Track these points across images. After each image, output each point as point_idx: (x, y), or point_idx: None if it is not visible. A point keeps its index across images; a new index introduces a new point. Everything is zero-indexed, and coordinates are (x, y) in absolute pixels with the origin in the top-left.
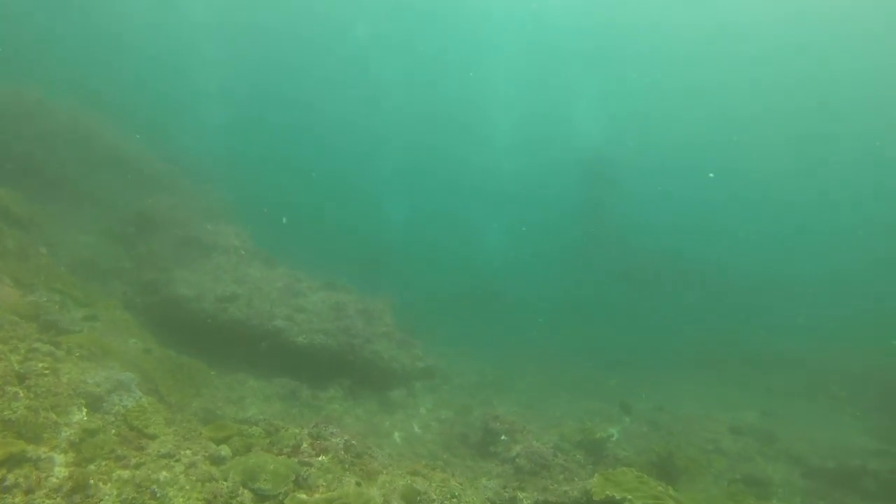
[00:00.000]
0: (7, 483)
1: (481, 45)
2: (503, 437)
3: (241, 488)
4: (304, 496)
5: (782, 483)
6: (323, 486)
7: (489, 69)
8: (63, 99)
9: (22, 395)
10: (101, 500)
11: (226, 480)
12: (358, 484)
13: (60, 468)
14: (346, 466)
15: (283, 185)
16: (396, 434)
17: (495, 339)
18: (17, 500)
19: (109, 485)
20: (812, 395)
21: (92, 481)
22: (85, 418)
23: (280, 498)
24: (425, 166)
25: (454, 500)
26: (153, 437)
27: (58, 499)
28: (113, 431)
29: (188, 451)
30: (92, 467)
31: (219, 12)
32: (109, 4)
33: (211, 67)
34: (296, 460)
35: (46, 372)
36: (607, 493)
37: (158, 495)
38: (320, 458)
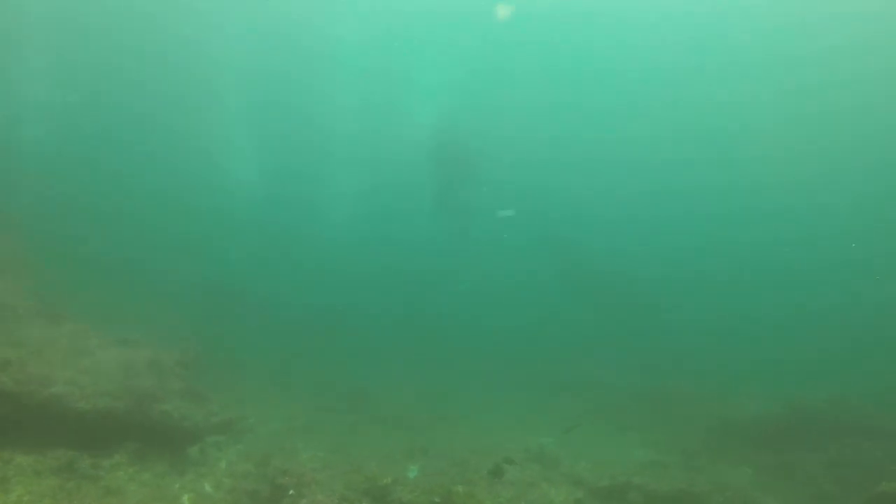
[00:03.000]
0: None
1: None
2: (291, 492)
3: None
4: None
5: None
6: None
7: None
8: None
9: None
10: None
11: None
12: None
13: None
14: None
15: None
16: (185, 497)
17: (324, 370)
18: None
19: None
20: (601, 412)
21: None
22: None
23: None
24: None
25: None
26: None
27: None
28: None
29: None
30: None
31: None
32: None
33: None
34: None
35: None
36: None
37: None
38: None
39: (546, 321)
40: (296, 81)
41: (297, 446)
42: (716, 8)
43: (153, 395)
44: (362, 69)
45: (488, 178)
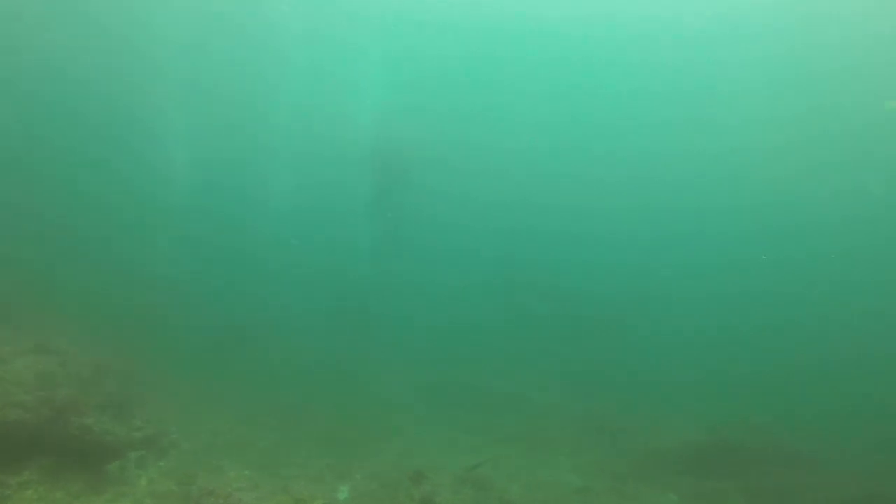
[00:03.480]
0: None
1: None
2: None
3: None
4: None
5: None
6: None
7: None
8: None
9: None
10: None
11: None
12: None
13: None
14: None
15: None
16: None
17: (251, 382)
18: None
19: None
20: (533, 435)
21: None
22: None
23: None
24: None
25: None
26: None
27: None
28: None
29: None
30: None
31: None
32: None
33: None
34: None
35: None
36: None
37: None
38: None
39: (485, 339)
40: (235, 66)
41: (223, 464)
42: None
43: (71, 408)
44: (306, 62)
45: (427, 185)
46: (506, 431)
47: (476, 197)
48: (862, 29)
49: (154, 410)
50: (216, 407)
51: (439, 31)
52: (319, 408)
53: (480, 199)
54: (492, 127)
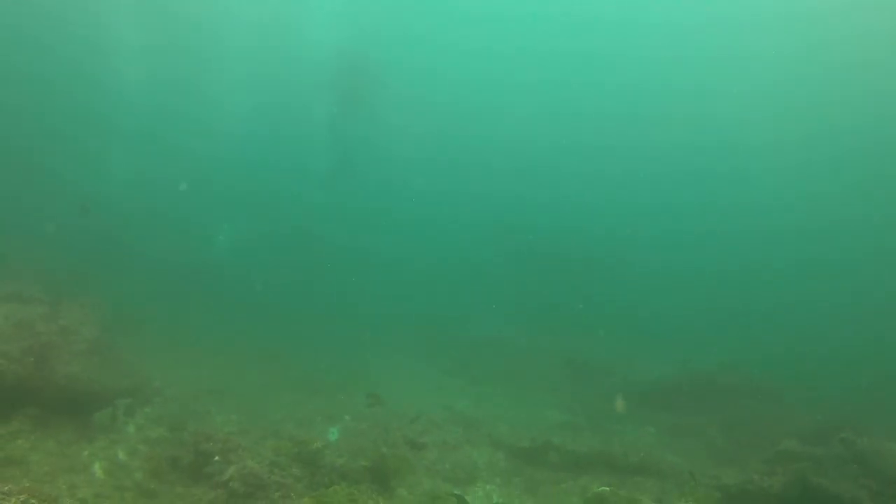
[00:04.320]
0: None
1: None
2: (216, 458)
3: None
4: None
5: (486, 466)
6: None
7: None
8: None
9: None
10: None
11: None
12: None
13: None
14: None
15: None
16: (97, 465)
17: (221, 331)
18: None
19: None
20: (513, 375)
21: None
22: None
23: None
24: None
25: None
26: None
27: None
28: None
29: None
30: None
31: None
32: None
33: None
34: None
35: None
36: None
37: None
38: None
39: (463, 279)
40: None
41: (210, 410)
42: None
43: (55, 356)
44: None
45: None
46: (488, 372)
47: (449, 133)
48: None
49: (135, 358)
50: (194, 356)
51: None
52: (301, 357)
53: (453, 136)
54: (471, 56)
